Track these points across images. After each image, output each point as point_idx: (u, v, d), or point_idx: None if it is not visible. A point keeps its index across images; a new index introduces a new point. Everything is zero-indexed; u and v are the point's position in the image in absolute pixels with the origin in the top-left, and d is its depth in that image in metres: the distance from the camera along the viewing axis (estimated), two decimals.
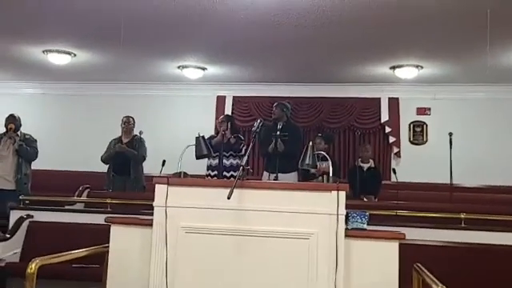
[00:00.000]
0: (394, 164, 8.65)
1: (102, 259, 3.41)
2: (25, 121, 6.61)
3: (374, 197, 6.74)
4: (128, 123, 6.98)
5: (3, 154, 6.29)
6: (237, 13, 5.65)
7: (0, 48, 7.36)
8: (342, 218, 3.01)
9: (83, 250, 3.25)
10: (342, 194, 3.04)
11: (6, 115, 6.49)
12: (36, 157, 6.44)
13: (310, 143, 3.72)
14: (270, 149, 6.03)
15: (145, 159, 6.85)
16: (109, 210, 5.60)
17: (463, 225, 4.70)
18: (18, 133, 6.39)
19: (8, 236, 4.92)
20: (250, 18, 5.79)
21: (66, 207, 6.13)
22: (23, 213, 5.23)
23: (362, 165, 7.08)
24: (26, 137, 6.41)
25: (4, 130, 6.39)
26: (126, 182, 6.75)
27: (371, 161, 7.22)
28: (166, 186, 3.22)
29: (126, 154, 6.75)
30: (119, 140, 6.98)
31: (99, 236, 3.47)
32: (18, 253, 4.34)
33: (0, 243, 4.72)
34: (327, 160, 6.19)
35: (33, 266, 2.75)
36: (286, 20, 5.81)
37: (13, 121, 6.36)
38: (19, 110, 6.78)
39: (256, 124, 3.53)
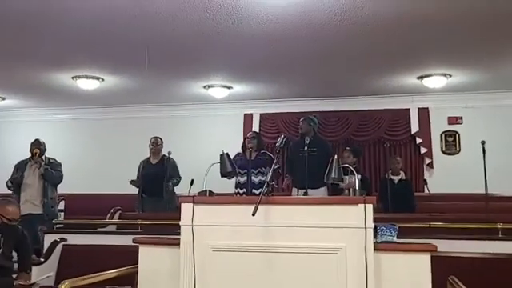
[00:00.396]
0: (426, 175, 8.49)
1: (134, 280, 3.42)
2: (56, 146, 6.77)
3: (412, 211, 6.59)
4: (156, 144, 7.06)
5: (29, 179, 6.39)
6: (258, 30, 5.67)
7: (30, 76, 7.58)
8: (371, 231, 2.95)
9: (113, 271, 3.26)
10: (370, 206, 2.98)
11: (33, 140, 6.60)
12: (61, 180, 6.53)
13: (335, 156, 3.66)
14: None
15: (181, 178, 6.87)
16: (140, 231, 5.65)
17: (500, 235, 4.54)
18: (43, 157, 6.49)
19: (42, 260, 4.97)
20: (271, 34, 5.80)
21: (99, 229, 6.21)
22: (57, 236, 5.29)
23: (392, 177, 6.95)
24: (51, 161, 6.51)
25: (29, 155, 6.51)
26: (157, 202, 6.78)
27: (402, 173, 7.08)
28: (191, 204, 3.23)
29: (174, 184, 6.80)
30: (147, 161, 7.05)
31: (131, 257, 3.47)
32: (51, 276, 4.38)
33: (34, 267, 4.77)
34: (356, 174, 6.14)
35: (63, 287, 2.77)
36: (309, 34, 5.80)
37: (38, 146, 6.48)
38: (50, 137, 6.95)
39: (280, 139, 3.50)
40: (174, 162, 7.00)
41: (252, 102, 9.02)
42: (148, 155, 7.13)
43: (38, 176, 6.40)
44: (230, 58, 6.76)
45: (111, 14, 5.25)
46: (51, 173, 6.38)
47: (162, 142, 7.12)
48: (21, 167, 6.46)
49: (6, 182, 6.48)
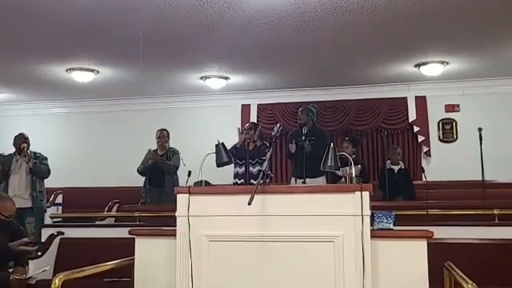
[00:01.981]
0: (424, 163, 8.48)
1: (131, 272, 3.42)
2: (52, 140, 6.73)
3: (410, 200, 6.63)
4: (162, 137, 7.10)
5: (17, 174, 6.33)
6: (255, 20, 5.64)
7: (24, 69, 7.52)
8: (367, 219, 2.95)
9: (108, 263, 3.25)
10: (366, 194, 2.97)
11: (17, 134, 6.52)
12: (49, 174, 6.46)
13: (332, 145, 3.65)
14: (290, 148, 5.97)
15: (177, 168, 6.89)
16: (138, 223, 5.65)
17: (497, 221, 4.56)
18: (28, 151, 6.42)
19: (39, 254, 4.97)
20: (268, 24, 5.76)
21: (97, 223, 6.21)
22: (54, 230, 5.29)
23: (392, 167, 6.95)
24: (37, 155, 6.46)
25: (13, 149, 6.45)
26: (160, 194, 6.82)
27: (401, 162, 7.09)
28: (187, 195, 3.22)
29: (159, 164, 6.82)
30: (155, 150, 7.11)
31: (129, 249, 3.47)
32: (48, 270, 4.37)
33: (32, 261, 4.76)
34: (357, 164, 6.15)
35: (56, 281, 2.77)
36: (306, 23, 5.76)
37: (24, 140, 6.42)
38: (46, 130, 6.92)
39: (275, 128, 3.49)
40: (177, 153, 7.06)
41: (249, 92, 8.98)
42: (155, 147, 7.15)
43: (25, 170, 6.34)
44: (227, 49, 6.72)
45: (105, 5, 5.20)
46: (39, 167, 6.35)
47: (167, 134, 7.15)
48: (7, 162, 6.38)
49: None
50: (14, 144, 6.44)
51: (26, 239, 4.38)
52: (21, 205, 6.17)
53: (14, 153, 6.45)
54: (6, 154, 6.52)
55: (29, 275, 4.44)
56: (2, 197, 4.44)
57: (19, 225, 4.73)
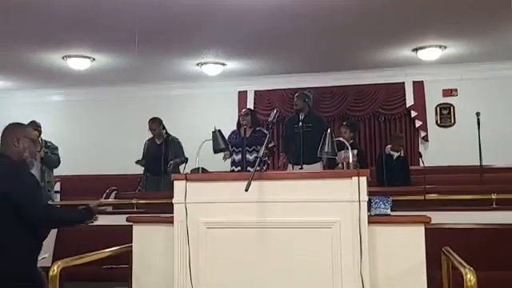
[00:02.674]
0: (421, 148, 8.49)
1: (129, 259, 3.42)
2: (49, 127, 6.69)
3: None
4: (153, 129, 6.99)
5: None
6: (252, 5, 5.59)
7: (20, 56, 7.46)
8: (365, 205, 2.94)
9: (106, 250, 3.25)
10: (363, 179, 2.97)
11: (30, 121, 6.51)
12: (59, 163, 6.45)
13: (329, 130, 3.64)
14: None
15: (187, 160, 6.79)
16: (136, 210, 5.65)
17: (494, 205, 4.56)
18: (39, 140, 6.41)
19: None
20: (265, 9, 5.72)
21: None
22: None
23: (391, 153, 6.95)
24: (48, 144, 6.42)
25: None
26: (159, 182, 6.79)
27: (401, 150, 7.09)
28: (184, 182, 3.21)
29: (173, 168, 6.74)
30: (152, 141, 7.05)
31: (128, 236, 3.47)
32: (47, 257, 4.37)
33: None
34: (354, 149, 6.13)
35: (55, 269, 2.77)
36: (302, 7, 5.72)
37: (36, 127, 6.38)
38: (43, 118, 6.85)
39: (272, 114, 3.47)
40: (178, 143, 7.01)
41: (246, 78, 8.94)
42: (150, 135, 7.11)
43: (36, 159, 6.32)
44: (223, 34, 6.68)
45: None
46: (50, 157, 6.30)
47: (159, 123, 7.01)
48: None
49: None
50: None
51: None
52: None
53: None
54: None
55: None
56: None
57: None
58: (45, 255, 4.23)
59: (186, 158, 6.83)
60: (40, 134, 6.41)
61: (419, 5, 5.71)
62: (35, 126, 6.39)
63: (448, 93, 8.66)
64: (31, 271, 3.03)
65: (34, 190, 3.07)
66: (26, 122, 6.46)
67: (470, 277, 2.35)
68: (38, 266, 3.12)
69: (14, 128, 3.22)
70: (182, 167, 6.63)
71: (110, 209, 4.82)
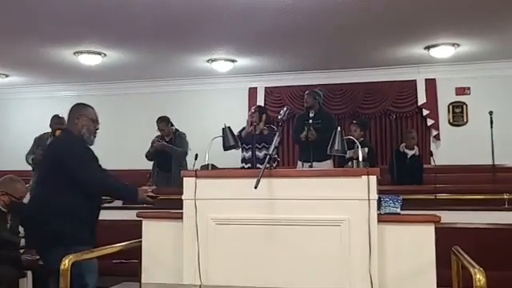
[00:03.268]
0: (433, 147, 8.41)
1: (139, 254, 3.44)
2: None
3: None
4: (163, 130, 7.05)
5: None
6: (262, 2, 5.57)
7: (32, 52, 7.50)
8: (374, 203, 2.94)
9: (116, 245, 3.27)
10: (373, 178, 2.96)
11: (52, 116, 6.57)
12: None
13: (339, 128, 3.63)
14: (302, 136, 5.97)
15: (187, 154, 6.90)
16: (146, 205, 5.66)
17: (507, 205, 4.52)
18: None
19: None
20: (277, 6, 5.70)
21: (104, 205, 6.22)
22: None
23: (406, 151, 6.91)
24: None
25: (40, 131, 6.47)
26: (169, 178, 6.80)
27: (416, 148, 7.05)
28: (194, 178, 3.23)
29: (167, 151, 6.82)
30: (161, 137, 7.08)
31: (138, 232, 3.49)
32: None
33: None
34: (364, 147, 6.12)
35: (66, 262, 2.79)
36: (313, 4, 5.69)
37: (60, 124, 6.40)
38: (55, 113, 6.90)
39: (282, 112, 3.46)
40: (182, 137, 7.06)
41: (257, 75, 8.92)
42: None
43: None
44: (234, 31, 6.67)
45: None
46: None
47: (167, 122, 7.07)
48: (42, 143, 6.38)
49: (27, 158, 6.43)
50: (50, 125, 6.47)
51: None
52: None
53: (50, 133, 6.46)
54: (45, 133, 6.54)
55: (38, 256, 4.50)
56: (12, 179, 4.48)
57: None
58: None
59: (185, 151, 6.88)
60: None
61: (432, 2, 5.66)
62: (58, 122, 6.43)
63: (461, 91, 8.57)
64: (86, 233, 3.37)
65: (86, 159, 3.46)
66: (38, 116, 6.61)
67: (479, 277, 2.33)
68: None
69: (77, 107, 3.70)
70: (190, 163, 6.65)
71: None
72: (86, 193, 3.38)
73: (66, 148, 3.47)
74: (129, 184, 3.85)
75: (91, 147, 3.69)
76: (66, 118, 6.29)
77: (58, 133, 6.22)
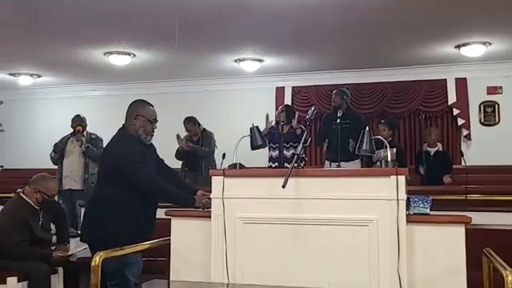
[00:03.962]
0: (464, 147, 8.27)
1: (167, 252, 3.48)
2: (90, 122, 6.83)
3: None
4: (190, 131, 7.14)
5: (71, 155, 6.47)
6: (290, 1, 5.57)
7: (64, 53, 7.65)
8: (403, 203, 2.91)
9: (146, 243, 3.31)
10: (402, 178, 2.93)
11: (74, 116, 6.66)
12: None
13: (367, 128, 3.60)
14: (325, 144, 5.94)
15: (213, 152, 6.96)
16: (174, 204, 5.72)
17: None
18: (84, 133, 6.52)
19: (79, 232, 5.10)
20: (304, 5, 5.68)
21: None
22: None
23: (428, 149, 6.83)
24: (92, 137, 6.56)
25: (71, 130, 6.59)
26: (197, 176, 6.86)
27: (439, 144, 6.94)
28: (222, 177, 3.25)
29: (196, 152, 6.89)
30: (190, 137, 7.15)
31: (167, 230, 3.53)
32: (88, 248, 4.49)
33: (72, 239, 4.91)
34: (392, 147, 6.05)
35: (97, 259, 2.83)
36: (342, 3, 5.65)
37: (80, 122, 6.54)
38: (87, 113, 7.02)
39: (310, 112, 3.46)
40: (209, 136, 7.12)
41: (284, 75, 8.92)
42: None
43: (79, 152, 6.43)
44: (261, 31, 6.67)
45: None
46: (93, 150, 6.41)
47: (194, 123, 7.15)
48: (61, 143, 6.52)
49: (50, 154, 6.58)
50: (71, 125, 6.57)
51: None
52: (71, 186, 6.34)
53: (71, 134, 6.56)
54: (65, 135, 6.63)
55: (70, 253, 4.59)
56: (44, 177, 4.57)
57: (60, 204, 4.88)
58: (86, 246, 4.37)
59: (211, 150, 6.94)
60: (84, 129, 6.56)
61: (462, 0, 5.57)
62: (79, 120, 6.57)
63: (492, 90, 8.41)
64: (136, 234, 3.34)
65: (138, 162, 3.40)
66: (68, 116, 6.73)
67: (511, 279, 2.29)
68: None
69: (135, 105, 3.69)
70: (218, 162, 6.70)
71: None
72: (143, 194, 3.40)
73: (119, 152, 3.48)
74: (189, 184, 3.87)
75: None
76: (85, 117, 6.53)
77: (78, 129, 6.37)
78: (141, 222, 3.44)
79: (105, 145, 6.41)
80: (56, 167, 6.52)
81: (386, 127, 6.66)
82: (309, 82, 8.96)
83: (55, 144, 6.56)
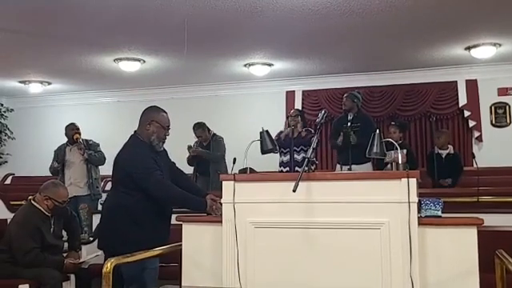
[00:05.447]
0: (475, 149, 8.22)
1: (179, 258, 3.48)
2: (101, 129, 6.87)
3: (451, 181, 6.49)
4: (200, 137, 7.16)
5: (72, 163, 6.47)
6: (299, 5, 5.58)
7: (73, 60, 7.72)
8: (414, 206, 2.89)
9: (157, 249, 3.32)
10: (413, 181, 2.91)
11: (68, 124, 6.62)
12: (105, 160, 6.47)
13: (377, 131, 3.59)
14: (339, 142, 5.94)
15: (223, 156, 6.97)
16: (184, 209, 5.72)
17: None
18: (80, 140, 6.51)
19: (91, 239, 5.14)
20: (312, 8, 5.69)
21: None
22: None
23: (440, 152, 6.79)
24: (90, 143, 6.58)
25: (66, 139, 6.57)
26: (208, 181, 6.88)
27: (450, 147, 6.90)
28: (232, 182, 3.24)
29: (205, 157, 6.91)
30: (200, 142, 7.18)
31: (178, 235, 3.52)
32: (100, 255, 4.50)
33: (84, 246, 4.93)
34: (402, 149, 6.02)
35: (108, 265, 2.84)
36: (351, 7, 5.66)
37: (77, 130, 6.51)
38: (95, 120, 7.08)
39: (320, 115, 3.45)
40: (219, 141, 7.14)
41: (294, 78, 8.93)
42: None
43: (80, 160, 6.45)
44: (270, 35, 6.69)
45: None
46: (95, 156, 6.46)
47: (203, 129, 7.16)
48: (60, 152, 6.52)
49: (52, 164, 6.59)
50: (65, 134, 6.56)
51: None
52: (76, 193, 6.34)
53: (67, 143, 6.56)
54: (61, 144, 6.62)
55: (82, 259, 4.61)
56: (55, 184, 4.59)
57: (71, 211, 4.89)
58: (98, 253, 4.39)
59: (221, 154, 6.95)
60: (79, 136, 6.54)
61: (473, 2, 5.54)
62: (74, 127, 6.57)
63: (503, 92, 8.36)
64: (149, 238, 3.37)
65: (150, 168, 3.42)
66: (79, 123, 6.75)
67: None
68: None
69: (150, 111, 3.71)
70: (229, 167, 6.71)
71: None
72: (156, 199, 3.44)
73: (131, 159, 3.50)
74: (200, 189, 3.89)
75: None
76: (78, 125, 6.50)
77: (76, 137, 6.39)
78: (158, 228, 3.48)
79: (103, 148, 6.53)
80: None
81: (396, 129, 6.64)
82: (319, 85, 8.96)
83: (56, 154, 6.56)
